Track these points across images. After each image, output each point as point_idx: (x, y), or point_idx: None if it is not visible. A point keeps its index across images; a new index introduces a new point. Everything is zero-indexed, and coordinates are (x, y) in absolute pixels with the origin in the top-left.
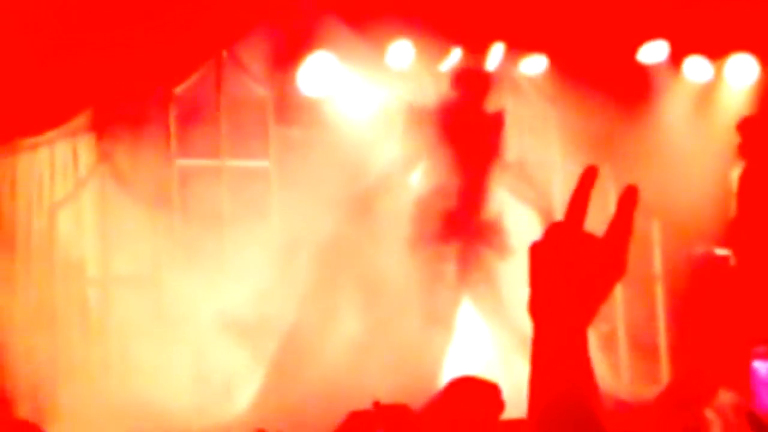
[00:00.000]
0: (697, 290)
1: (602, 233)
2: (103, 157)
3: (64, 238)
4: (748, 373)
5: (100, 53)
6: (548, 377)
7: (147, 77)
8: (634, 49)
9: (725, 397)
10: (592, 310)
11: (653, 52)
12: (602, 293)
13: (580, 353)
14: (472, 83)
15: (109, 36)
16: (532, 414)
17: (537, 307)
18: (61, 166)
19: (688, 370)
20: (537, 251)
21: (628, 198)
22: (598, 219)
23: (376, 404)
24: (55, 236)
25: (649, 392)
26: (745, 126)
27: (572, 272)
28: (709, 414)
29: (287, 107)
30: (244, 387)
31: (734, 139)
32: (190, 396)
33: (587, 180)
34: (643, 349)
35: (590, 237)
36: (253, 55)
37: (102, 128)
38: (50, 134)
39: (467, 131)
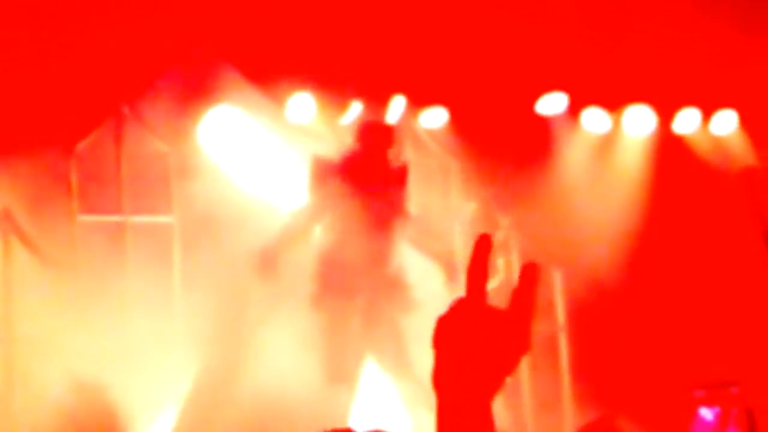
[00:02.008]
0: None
1: (506, 306)
2: (4, 214)
3: None
4: (687, 419)
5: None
6: None
7: (47, 133)
8: (533, 101)
9: None
10: (496, 384)
11: (552, 103)
12: (506, 367)
13: (485, 426)
14: (374, 136)
15: (7, 92)
16: None
17: (441, 380)
18: None
19: (594, 423)
20: (442, 326)
21: (530, 274)
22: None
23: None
24: None
25: None
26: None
27: (476, 347)
28: None
29: (189, 162)
30: None
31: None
32: None
33: (482, 250)
34: (547, 401)
35: (494, 311)
36: (154, 110)
37: (2, 185)
38: None
39: (370, 184)
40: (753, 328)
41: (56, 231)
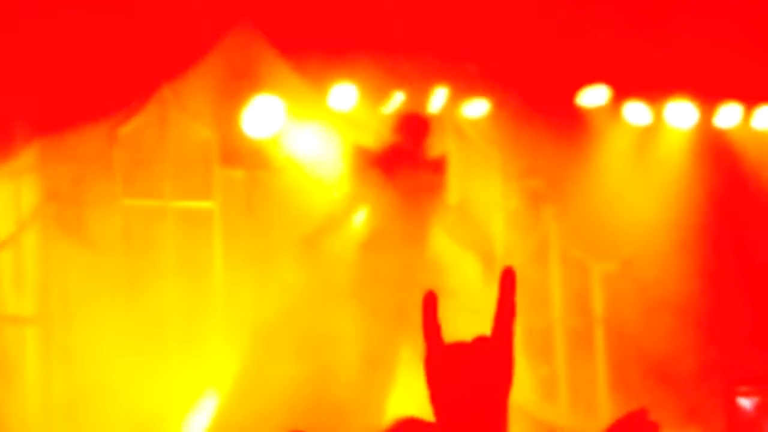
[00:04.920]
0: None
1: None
2: (47, 196)
3: (4, 278)
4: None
5: (44, 93)
6: None
7: (91, 117)
8: (574, 93)
9: None
10: (491, 413)
11: (593, 96)
12: (496, 396)
13: None
14: (414, 126)
15: (52, 75)
16: None
17: (438, 409)
18: (3, 205)
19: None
20: (429, 368)
21: (507, 286)
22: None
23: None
24: None
25: (591, 427)
26: None
27: (460, 385)
28: None
29: (231, 148)
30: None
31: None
32: None
33: (429, 308)
34: (583, 394)
35: (469, 349)
36: (198, 97)
37: (46, 168)
38: None
39: (410, 174)
40: None
41: (98, 214)
